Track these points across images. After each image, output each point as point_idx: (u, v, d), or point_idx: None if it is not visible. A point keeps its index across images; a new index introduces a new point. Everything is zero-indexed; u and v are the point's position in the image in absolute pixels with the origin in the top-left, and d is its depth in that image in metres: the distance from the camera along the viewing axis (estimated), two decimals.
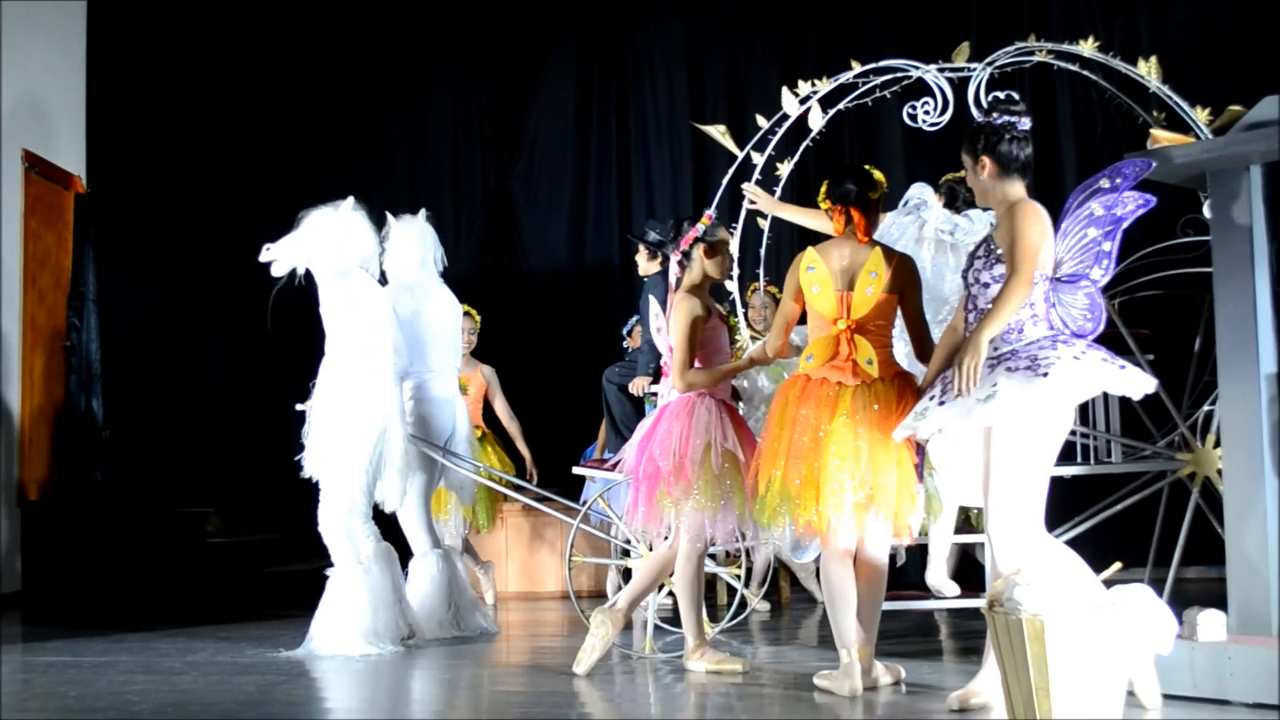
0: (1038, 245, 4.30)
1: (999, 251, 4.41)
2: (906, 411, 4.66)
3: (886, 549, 5.00)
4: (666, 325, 5.60)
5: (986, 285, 4.45)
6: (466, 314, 7.97)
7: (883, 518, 4.73)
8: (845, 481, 4.69)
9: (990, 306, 4.36)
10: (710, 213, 5.71)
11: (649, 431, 5.47)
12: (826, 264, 4.95)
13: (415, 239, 7.05)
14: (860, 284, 4.88)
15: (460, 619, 6.79)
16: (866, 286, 4.88)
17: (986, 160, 4.50)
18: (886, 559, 5.01)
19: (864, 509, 4.71)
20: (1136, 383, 4.31)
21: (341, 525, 6.25)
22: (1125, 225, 4.35)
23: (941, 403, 4.36)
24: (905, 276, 4.94)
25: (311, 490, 6.38)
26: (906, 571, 8.29)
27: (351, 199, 6.51)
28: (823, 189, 5.08)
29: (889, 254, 4.94)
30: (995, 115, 4.53)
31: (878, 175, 5.08)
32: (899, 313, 4.97)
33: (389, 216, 7.03)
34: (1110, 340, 6.14)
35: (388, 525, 6.65)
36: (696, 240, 5.52)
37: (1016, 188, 4.48)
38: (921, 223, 6.41)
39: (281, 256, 6.36)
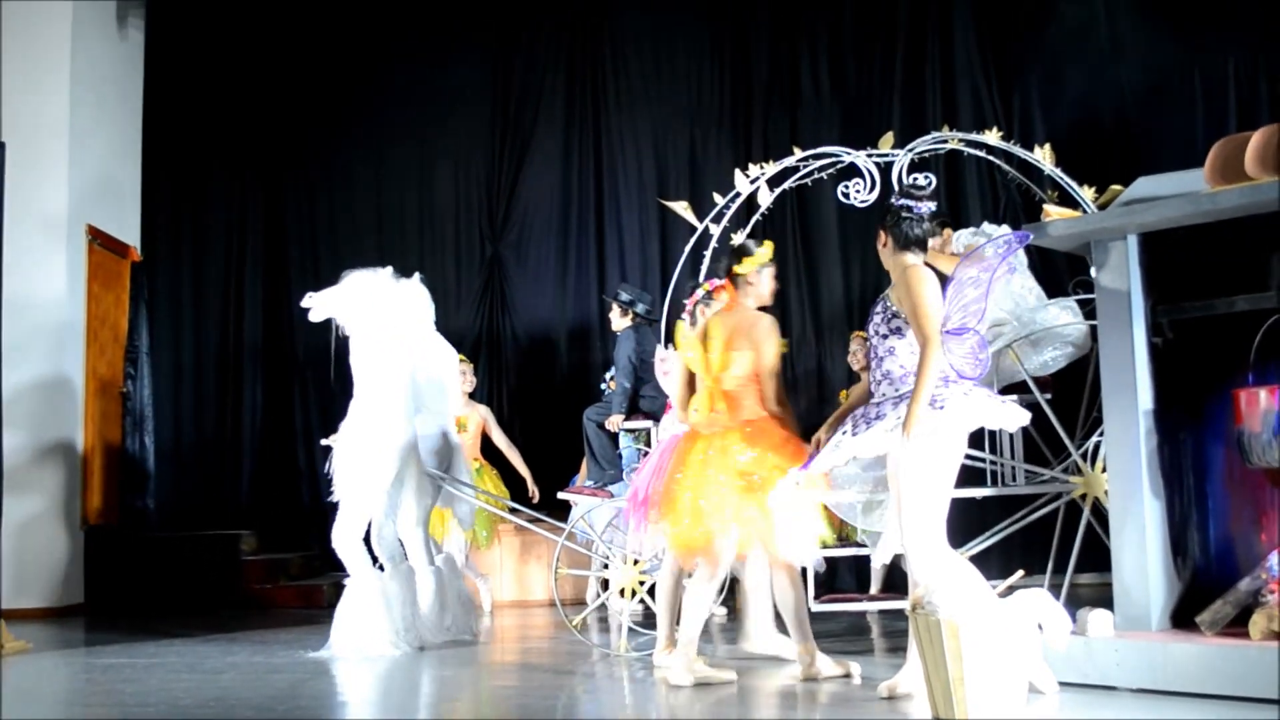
0: (935, 309, 4.32)
1: (894, 309, 4.47)
2: (763, 453, 4.78)
3: (797, 559, 4.94)
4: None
5: (885, 336, 4.49)
6: (461, 360, 7.95)
7: (743, 538, 4.76)
8: (704, 511, 4.75)
9: (889, 353, 4.46)
10: (718, 281, 5.75)
11: (656, 464, 5.44)
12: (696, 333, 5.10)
13: (416, 298, 7.04)
14: (712, 347, 5.00)
15: (458, 624, 6.77)
16: (714, 349, 4.99)
17: (883, 234, 4.55)
18: (798, 568, 4.99)
19: (725, 531, 4.74)
20: (1013, 416, 4.41)
21: (352, 540, 6.25)
22: (988, 294, 4.43)
23: (855, 434, 4.41)
24: (758, 336, 4.99)
25: (333, 512, 6.36)
26: (840, 576, 8.30)
27: (390, 269, 6.54)
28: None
29: (750, 317, 5.04)
30: (898, 199, 4.58)
31: (754, 252, 5.14)
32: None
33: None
34: (1015, 382, 6.21)
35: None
36: (697, 303, 5.63)
37: (909, 258, 4.48)
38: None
39: (318, 306, 6.38)
